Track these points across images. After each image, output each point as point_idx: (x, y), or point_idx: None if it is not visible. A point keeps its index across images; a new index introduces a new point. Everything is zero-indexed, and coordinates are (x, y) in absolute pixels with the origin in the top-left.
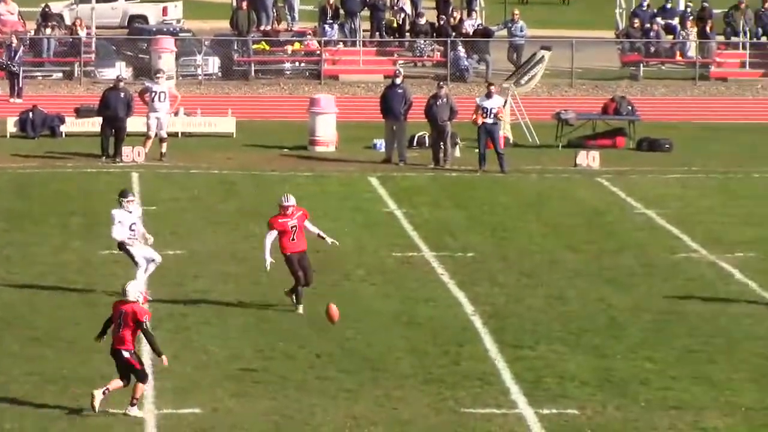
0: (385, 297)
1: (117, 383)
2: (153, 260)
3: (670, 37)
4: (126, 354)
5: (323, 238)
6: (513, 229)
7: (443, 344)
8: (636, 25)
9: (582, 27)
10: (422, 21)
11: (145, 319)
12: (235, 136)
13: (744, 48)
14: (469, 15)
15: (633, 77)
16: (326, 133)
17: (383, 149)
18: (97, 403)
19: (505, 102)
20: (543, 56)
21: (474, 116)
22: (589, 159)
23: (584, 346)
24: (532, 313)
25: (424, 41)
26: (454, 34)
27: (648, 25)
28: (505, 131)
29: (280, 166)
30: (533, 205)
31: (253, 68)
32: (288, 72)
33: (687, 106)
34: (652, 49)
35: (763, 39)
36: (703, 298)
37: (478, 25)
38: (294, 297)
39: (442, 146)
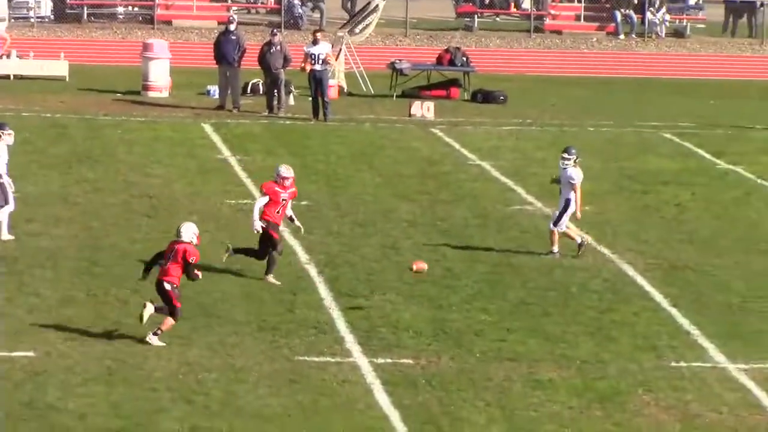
0: (219, 244)
1: (168, 321)
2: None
3: None
4: (168, 286)
5: (293, 221)
6: (347, 178)
7: (278, 292)
8: None
9: None
10: None
11: (192, 260)
12: (67, 79)
13: (579, 1)
14: None
15: (468, 28)
16: (159, 78)
17: (217, 96)
18: (145, 318)
19: (340, 51)
20: (377, 6)
21: (302, 64)
22: (423, 109)
23: (419, 297)
24: (367, 262)
25: None
26: None
27: None
28: (339, 80)
29: (113, 111)
30: (367, 154)
31: (85, 12)
32: (121, 16)
33: (521, 58)
34: (487, 0)
35: None
36: (537, 252)
37: None
38: (267, 266)
39: (275, 94)
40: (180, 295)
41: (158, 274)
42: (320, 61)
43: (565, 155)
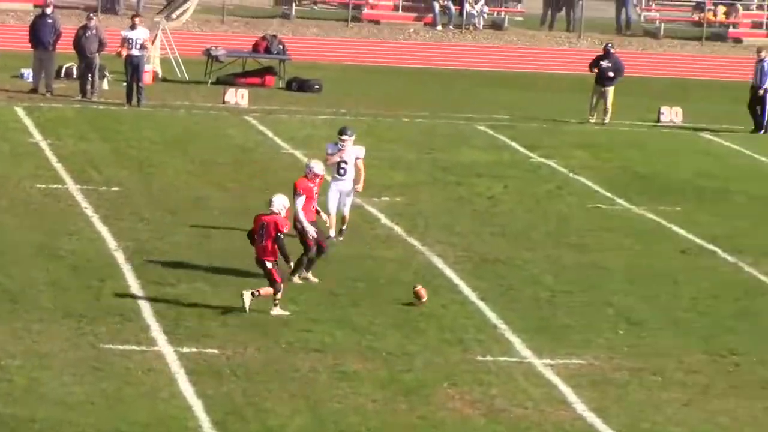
0: (27, 229)
1: (267, 290)
2: None
3: None
4: (269, 265)
5: (318, 213)
6: (159, 164)
7: (85, 279)
8: None
9: None
10: None
11: (285, 230)
12: None
13: None
14: None
15: (285, 16)
16: None
17: (30, 79)
18: (246, 304)
19: (156, 36)
20: None
21: (119, 49)
22: (237, 97)
23: (227, 285)
24: (177, 249)
25: None
26: None
27: None
28: (154, 65)
29: None
30: (180, 141)
31: None
32: None
33: (338, 47)
34: None
35: None
36: (347, 242)
37: None
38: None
39: (89, 78)
40: (280, 270)
41: (256, 252)
42: (138, 46)
43: (344, 136)
